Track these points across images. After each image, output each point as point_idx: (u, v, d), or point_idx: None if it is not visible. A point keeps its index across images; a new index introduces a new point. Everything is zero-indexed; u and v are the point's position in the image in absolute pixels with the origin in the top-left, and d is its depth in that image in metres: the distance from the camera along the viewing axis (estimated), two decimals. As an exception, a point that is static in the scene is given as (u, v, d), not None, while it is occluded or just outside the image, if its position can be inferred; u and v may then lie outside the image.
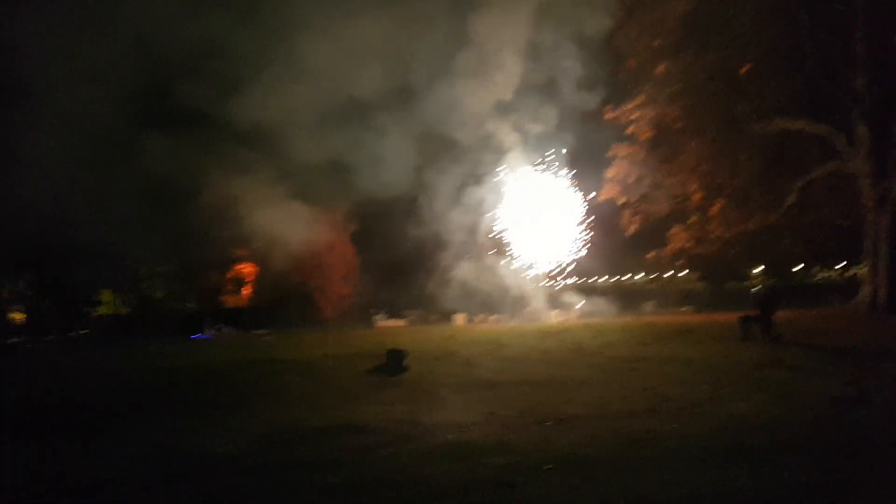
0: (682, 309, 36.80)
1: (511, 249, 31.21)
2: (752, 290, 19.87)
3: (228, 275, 41.83)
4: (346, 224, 34.91)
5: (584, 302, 31.80)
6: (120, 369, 18.00)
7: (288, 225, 25.64)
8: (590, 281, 45.37)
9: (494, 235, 30.77)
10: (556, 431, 8.80)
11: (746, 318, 17.99)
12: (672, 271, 42.65)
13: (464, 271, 29.75)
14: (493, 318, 31.44)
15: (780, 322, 19.88)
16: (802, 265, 55.41)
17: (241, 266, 41.01)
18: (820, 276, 53.37)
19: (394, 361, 14.27)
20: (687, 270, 51.01)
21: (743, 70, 24.40)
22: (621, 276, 51.24)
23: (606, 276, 50.15)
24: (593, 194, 31.16)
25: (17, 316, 45.04)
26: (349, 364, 15.16)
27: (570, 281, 36.61)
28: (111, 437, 9.46)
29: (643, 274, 50.65)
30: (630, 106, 28.10)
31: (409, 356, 14.70)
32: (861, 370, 12.58)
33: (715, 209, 28.05)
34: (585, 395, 11.40)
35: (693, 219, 29.58)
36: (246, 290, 42.70)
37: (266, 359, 17.12)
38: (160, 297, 46.23)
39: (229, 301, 42.29)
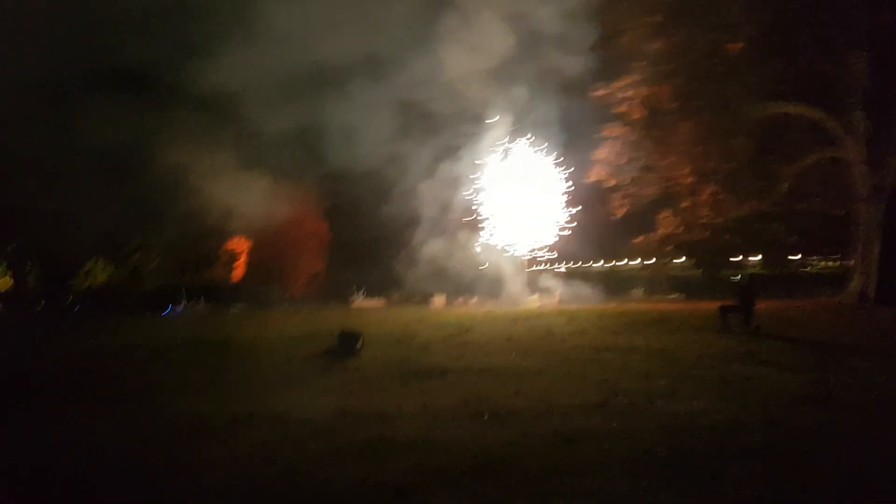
0: (671, 296, 36.03)
1: (491, 229, 30.43)
2: (732, 278, 19.11)
3: (221, 249, 40.93)
4: (319, 199, 34.03)
5: (564, 287, 30.97)
6: (63, 347, 17.31)
7: (250, 198, 24.78)
8: (577, 265, 44.64)
9: (474, 214, 29.95)
10: (489, 427, 8.10)
11: (725, 308, 17.25)
12: (668, 257, 41.82)
13: (443, 251, 28.99)
14: (473, 300, 30.70)
15: (762, 313, 19.24)
16: (800, 255, 54.71)
17: (235, 240, 40.13)
18: (819, 266, 52.59)
19: (346, 344, 13.58)
20: (684, 258, 50.31)
21: (735, 48, 23.34)
22: (614, 262, 50.40)
23: (594, 262, 49.35)
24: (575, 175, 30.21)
25: (3, 281, 44.45)
26: (301, 346, 14.47)
27: (555, 265, 35.85)
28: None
29: (639, 260, 49.93)
30: (620, 84, 27.12)
31: (363, 339, 14.00)
32: (834, 366, 11.88)
33: (705, 194, 27.21)
34: (537, 385, 10.70)
35: (684, 203, 28.76)
36: (239, 265, 41.92)
37: (215, 339, 16.41)
38: (152, 269, 45.58)
39: (222, 275, 41.43)
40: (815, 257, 56.26)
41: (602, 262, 49.55)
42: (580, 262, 46.04)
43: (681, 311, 22.51)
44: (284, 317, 23.92)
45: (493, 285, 30.76)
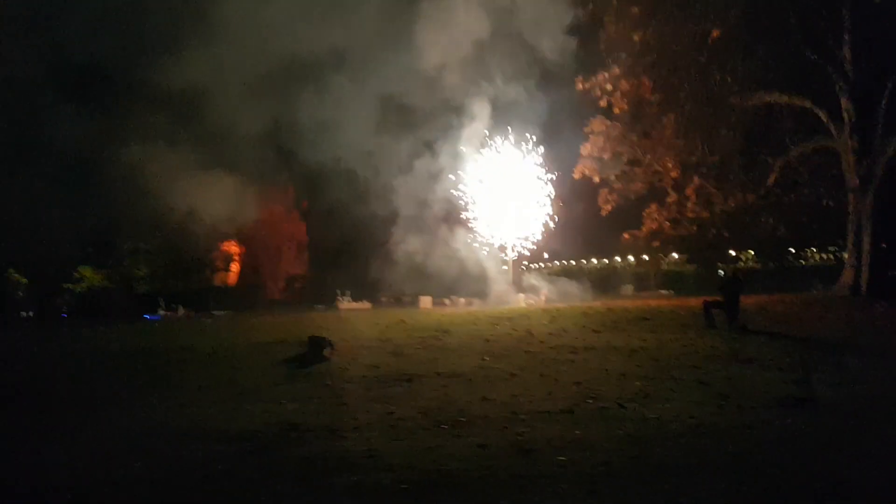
0: (662, 292, 35.55)
1: (476, 227, 29.91)
2: (719, 273, 18.59)
3: (215, 253, 40.33)
4: (296, 200, 33.39)
5: (552, 285, 30.42)
6: (31, 353, 16.78)
7: (221, 201, 24.19)
8: (566, 263, 44.14)
9: (458, 212, 29.41)
10: (447, 438, 7.59)
11: (709, 305, 16.73)
12: (657, 253, 41.39)
13: (428, 251, 28.46)
14: (461, 300, 30.19)
15: (750, 308, 18.77)
16: (794, 248, 54.23)
17: (228, 244, 39.51)
18: (816, 258, 52.15)
19: (314, 351, 13.05)
20: (676, 254, 49.79)
21: (714, 35, 22.77)
22: (605, 258, 49.97)
23: (584, 259, 48.89)
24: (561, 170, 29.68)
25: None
26: (268, 353, 13.92)
27: (543, 263, 35.32)
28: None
29: (630, 256, 49.39)
30: (604, 76, 26.58)
31: (333, 345, 13.47)
32: (820, 365, 11.39)
33: (691, 187, 26.70)
34: (507, 390, 10.20)
35: (670, 198, 28.26)
36: (234, 269, 41.36)
37: (182, 346, 15.86)
38: (143, 274, 45.26)
39: (216, 279, 40.89)
40: (812, 250, 55.90)
41: (593, 259, 49.11)
42: (570, 260, 45.59)
43: (669, 307, 21.98)
44: (262, 322, 23.33)
45: (480, 285, 30.21)
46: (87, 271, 43.24)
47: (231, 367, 12.83)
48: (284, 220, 33.19)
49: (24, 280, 44.29)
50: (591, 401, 9.29)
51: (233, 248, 39.90)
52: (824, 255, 50.22)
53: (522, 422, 8.26)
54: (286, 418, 8.66)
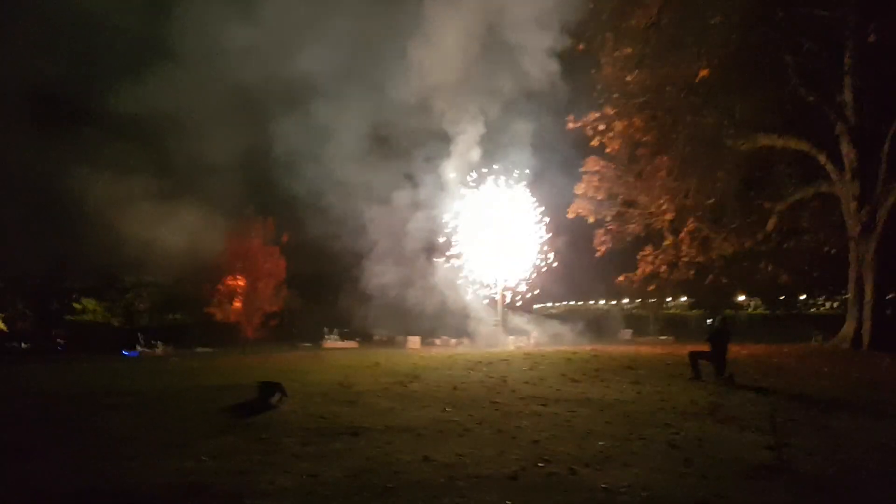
0: (662, 338, 34.44)
1: (466, 266, 29.09)
2: (707, 321, 17.65)
3: (218, 287, 39.34)
4: (275, 235, 32.69)
5: (544, 328, 29.47)
6: None
7: (186, 233, 23.49)
8: (562, 304, 43.13)
9: (448, 250, 28.65)
10: (365, 508, 6.70)
11: (696, 355, 15.78)
12: (656, 297, 40.29)
13: (419, 291, 27.65)
14: (451, 341, 29.26)
15: (744, 359, 17.86)
16: (805, 295, 52.96)
17: (231, 279, 38.52)
18: (824, 306, 50.83)
19: (262, 397, 12.18)
20: (684, 298, 48.65)
21: (703, 74, 22.17)
22: (604, 300, 48.89)
23: (581, 301, 47.82)
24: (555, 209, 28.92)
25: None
26: (215, 398, 13.03)
27: (539, 305, 34.36)
28: None
29: (628, 299, 48.23)
30: (596, 116, 26.01)
31: (284, 391, 12.59)
32: (806, 425, 10.46)
33: (686, 231, 25.88)
34: (456, 447, 9.28)
35: (667, 241, 27.45)
36: (237, 304, 40.32)
37: (130, 389, 15.03)
38: (144, 308, 44.88)
39: (218, 314, 39.75)
40: (821, 298, 54.53)
41: (591, 301, 48.06)
42: (566, 301, 44.57)
43: (659, 356, 21.03)
44: (231, 362, 22.48)
45: (470, 325, 29.30)
46: (89, 303, 42.76)
47: (168, 414, 11.95)
48: (262, 255, 32.45)
49: (28, 311, 44.09)
50: (542, 464, 8.37)
51: (238, 282, 39.08)
52: (835, 304, 48.93)
53: (457, 490, 7.35)
54: (197, 479, 7.77)
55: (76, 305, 42.99)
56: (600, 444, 9.44)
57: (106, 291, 43.01)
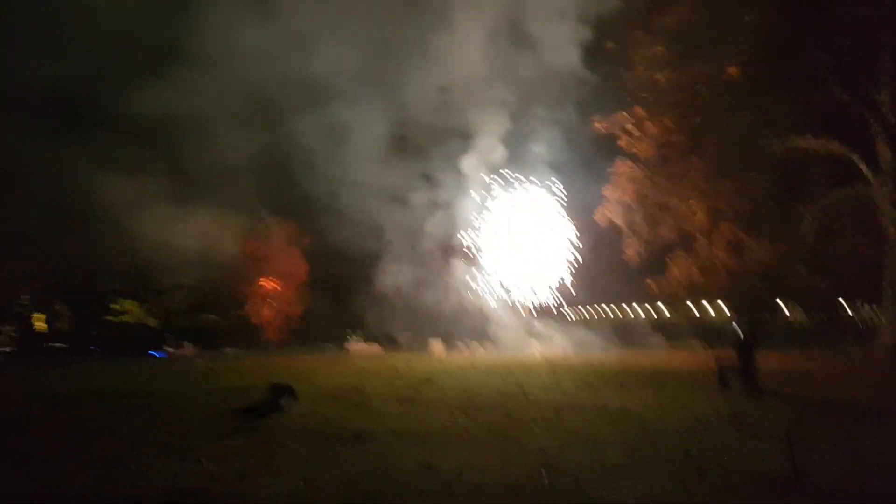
0: (695, 345, 33.58)
1: (493, 270, 28.74)
2: (734, 328, 17.03)
3: (252, 289, 39.48)
4: (298, 237, 32.63)
5: (569, 335, 28.92)
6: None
7: (208, 236, 23.55)
8: (592, 310, 42.42)
9: (474, 255, 28.32)
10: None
11: (723, 363, 15.24)
12: (690, 303, 39.35)
13: (445, 295, 27.42)
14: (476, 346, 28.92)
15: (774, 367, 17.22)
16: (844, 302, 51.26)
17: (265, 280, 38.62)
18: (870, 314, 49.24)
19: (271, 399, 12.04)
20: (720, 302, 47.54)
21: (732, 72, 21.52)
22: (636, 306, 48.02)
23: (615, 306, 46.93)
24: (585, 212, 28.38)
25: (39, 323, 44.75)
26: (226, 400, 12.96)
27: (568, 310, 33.80)
28: None
29: (673, 305, 47.27)
30: (625, 116, 25.50)
31: (294, 393, 12.44)
32: (830, 437, 9.95)
33: (720, 235, 25.19)
34: (460, 455, 9.01)
35: (699, 244, 26.76)
36: (270, 306, 40.54)
37: (145, 390, 15.09)
38: (182, 309, 45.26)
39: (253, 316, 39.86)
40: (860, 303, 52.79)
41: (624, 305, 47.23)
42: (596, 307, 43.84)
43: (690, 363, 20.47)
44: (251, 363, 22.53)
45: (496, 331, 28.95)
46: (129, 304, 43.20)
47: (178, 417, 11.93)
48: (283, 257, 32.48)
49: (67, 311, 44.97)
50: (546, 473, 8.06)
51: (272, 284, 39.22)
52: (874, 311, 47.32)
53: (454, 499, 7.11)
54: (195, 483, 7.66)
55: (115, 306, 43.60)
56: (610, 452, 9.08)
57: (143, 293, 43.48)
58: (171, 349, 30.23)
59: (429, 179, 26.71)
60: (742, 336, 15.34)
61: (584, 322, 35.24)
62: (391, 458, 8.96)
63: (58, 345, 39.88)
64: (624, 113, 25.71)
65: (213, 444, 9.74)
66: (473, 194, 28.00)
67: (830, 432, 10.42)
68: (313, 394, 13.60)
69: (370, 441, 9.90)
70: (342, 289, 33.23)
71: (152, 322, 43.03)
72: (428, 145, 25.76)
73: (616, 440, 9.95)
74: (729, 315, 43.86)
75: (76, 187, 24.35)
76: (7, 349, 37.17)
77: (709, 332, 38.05)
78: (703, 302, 39.10)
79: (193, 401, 13.67)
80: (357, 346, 30.15)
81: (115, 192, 23.71)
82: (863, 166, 22.43)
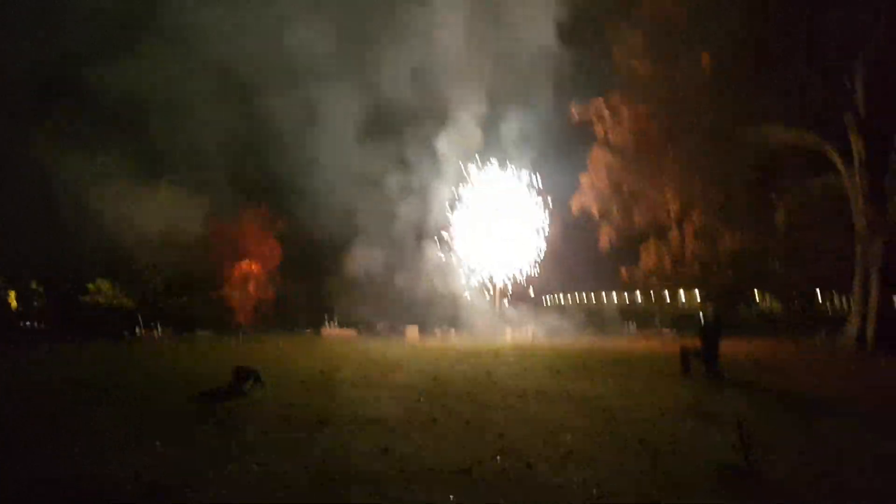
0: (665, 333, 33.93)
1: (466, 257, 28.74)
2: (699, 315, 17.22)
3: (227, 271, 39.12)
4: (274, 221, 32.37)
5: (542, 321, 29.08)
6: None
7: (173, 216, 23.22)
8: (566, 297, 42.62)
9: (448, 241, 28.30)
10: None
11: (687, 350, 15.41)
12: (661, 291, 39.66)
13: (418, 281, 27.41)
14: (451, 332, 29.00)
15: (739, 355, 17.43)
16: (817, 292, 51.98)
17: (245, 263, 38.26)
18: (843, 305, 49.96)
19: (235, 384, 12.00)
20: (697, 291, 47.98)
21: (706, 62, 21.62)
22: (613, 293, 48.35)
23: (591, 293, 47.18)
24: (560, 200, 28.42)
25: (10, 301, 44.17)
26: (191, 384, 12.89)
27: (544, 297, 33.95)
28: None
29: (646, 293, 47.68)
30: (601, 102, 25.54)
31: (260, 378, 12.40)
32: (788, 427, 10.09)
33: (692, 224, 25.38)
34: (419, 440, 9.05)
35: (672, 234, 26.97)
36: (251, 288, 40.23)
37: (106, 377, 14.94)
38: (161, 289, 44.70)
39: (227, 299, 39.48)
40: (833, 294, 53.56)
41: (598, 293, 47.52)
42: (570, 294, 44.06)
43: (658, 350, 20.66)
44: (222, 346, 22.42)
45: (471, 317, 29.02)
46: (104, 284, 42.59)
47: (141, 402, 11.83)
48: (258, 240, 32.21)
49: (41, 290, 44.29)
50: (500, 458, 8.12)
51: (252, 266, 38.94)
52: (846, 302, 48.02)
53: (406, 483, 7.14)
54: (149, 470, 7.62)
55: (90, 286, 43.01)
56: (568, 439, 9.16)
57: (120, 273, 42.86)
58: (141, 331, 29.90)
59: (404, 163, 26.59)
60: (705, 324, 15.50)
61: (557, 309, 35.38)
62: (350, 442, 8.97)
63: (30, 324, 39.40)
64: (601, 100, 25.71)
65: (171, 431, 9.66)
66: (449, 179, 27.89)
67: (789, 422, 10.55)
68: (280, 378, 13.57)
69: (332, 427, 9.88)
70: (318, 274, 33.10)
71: (127, 303, 42.55)
72: (403, 128, 25.56)
73: (575, 426, 10.03)
74: (703, 304, 44.39)
75: (47, 167, 23.94)
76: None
77: (679, 319, 38.52)
78: (681, 292, 39.45)
79: (159, 386, 13.55)
80: (332, 331, 30.05)
81: (84, 172, 23.32)
82: (836, 158, 22.63)
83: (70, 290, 43.41)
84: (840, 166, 22.68)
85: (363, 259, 27.70)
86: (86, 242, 34.43)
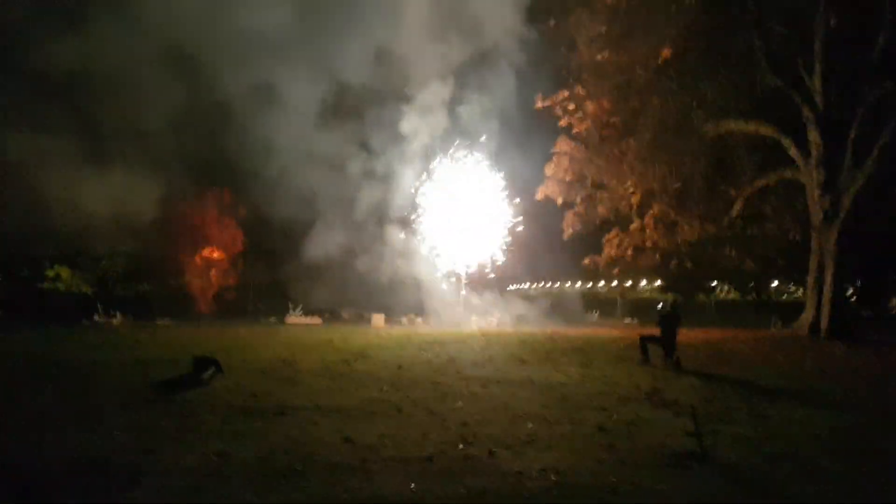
0: (627, 321, 34.49)
1: (431, 244, 28.77)
2: (658, 305, 17.58)
3: (196, 257, 38.38)
4: (232, 206, 32.01)
5: (507, 309, 29.33)
6: None
7: (129, 201, 22.72)
8: (532, 286, 43.06)
9: (413, 227, 28.27)
10: (275, 492, 6.49)
11: (645, 339, 15.69)
12: (643, 281, 40.36)
13: (382, 267, 27.35)
14: (417, 320, 29.05)
15: (696, 344, 17.81)
16: (776, 282, 53.31)
17: (209, 249, 37.58)
18: (797, 294, 51.33)
19: (195, 373, 11.89)
20: (659, 281, 48.78)
21: (665, 55, 21.93)
22: (578, 282, 48.97)
23: (557, 282, 47.80)
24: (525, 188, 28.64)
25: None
26: (149, 371, 12.75)
27: (512, 287, 34.19)
28: None
29: (611, 283, 48.39)
30: (566, 94, 25.72)
31: (219, 367, 12.32)
32: (742, 413, 10.36)
33: (651, 215, 25.77)
34: (381, 429, 9.05)
35: (634, 224, 27.33)
36: (214, 275, 39.59)
37: (61, 360, 14.66)
38: (118, 276, 43.80)
39: (195, 286, 38.80)
40: (790, 284, 54.97)
41: (563, 283, 48.12)
42: (536, 283, 44.54)
43: (618, 338, 20.96)
44: (182, 334, 22.15)
45: (437, 304, 29.07)
46: (62, 271, 41.58)
47: (96, 388, 11.64)
48: (220, 226, 31.82)
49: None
50: (462, 446, 8.19)
51: (214, 254, 38.39)
52: (802, 292, 49.34)
53: (367, 472, 7.15)
54: (101, 454, 7.52)
55: (49, 272, 42.01)
56: (529, 426, 9.28)
57: (78, 259, 41.93)
58: (101, 318, 29.33)
59: (366, 147, 26.40)
60: (664, 313, 15.79)
61: (523, 297, 35.65)
62: (311, 432, 8.94)
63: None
64: (565, 92, 25.88)
65: (125, 416, 9.54)
66: (413, 164, 27.80)
67: (743, 408, 10.82)
68: (241, 367, 13.46)
69: (292, 416, 9.83)
70: (282, 261, 32.79)
71: (86, 289, 41.66)
72: (365, 113, 25.35)
73: (537, 413, 10.16)
74: (664, 293, 45.18)
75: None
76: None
77: (640, 308, 39.17)
78: (644, 281, 40.09)
79: (114, 371, 13.35)
80: (296, 319, 29.85)
81: (29, 153, 22.62)
82: (793, 151, 23.11)
83: (28, 277, 42.35)
84: (797, 159, 23.17)
85: (326, 245, 27.53)
86: (36, 227, 33.41)
